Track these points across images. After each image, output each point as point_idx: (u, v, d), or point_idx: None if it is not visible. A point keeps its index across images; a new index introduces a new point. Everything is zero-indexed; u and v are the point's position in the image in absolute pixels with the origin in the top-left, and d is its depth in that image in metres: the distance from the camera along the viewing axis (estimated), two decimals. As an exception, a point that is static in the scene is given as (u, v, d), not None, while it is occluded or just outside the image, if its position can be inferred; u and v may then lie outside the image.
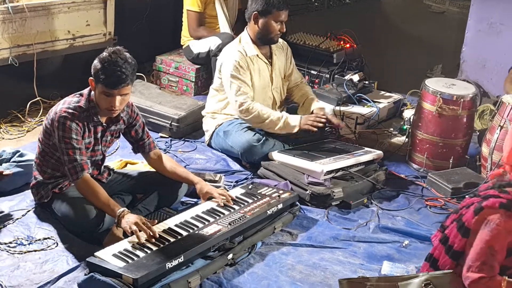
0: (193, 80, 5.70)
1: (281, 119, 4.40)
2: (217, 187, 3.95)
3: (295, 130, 4.42)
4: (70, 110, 3.42)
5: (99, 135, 3.57)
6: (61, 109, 3.42)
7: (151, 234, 3.21)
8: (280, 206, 3.73)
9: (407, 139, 4.80)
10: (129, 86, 3.39)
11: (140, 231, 3.22)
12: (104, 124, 3.56)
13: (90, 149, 3.55)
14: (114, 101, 3.37)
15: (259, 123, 4.44)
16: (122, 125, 3.67)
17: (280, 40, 4.73)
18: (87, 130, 3.48)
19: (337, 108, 5.05)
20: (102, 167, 3.75)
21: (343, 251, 3.59)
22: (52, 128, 3.45)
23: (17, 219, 3.65)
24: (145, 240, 3.19)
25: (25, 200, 3.83)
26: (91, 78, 3.39)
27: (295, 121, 4.41)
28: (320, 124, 4.41)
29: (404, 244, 3.67)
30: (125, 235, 3.32)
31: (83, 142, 3.46)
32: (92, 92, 3.46)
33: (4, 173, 3.75)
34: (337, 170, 4.15)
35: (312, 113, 4.58)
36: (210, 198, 3.69)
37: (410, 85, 5.57)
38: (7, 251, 3.37)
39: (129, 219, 3.26)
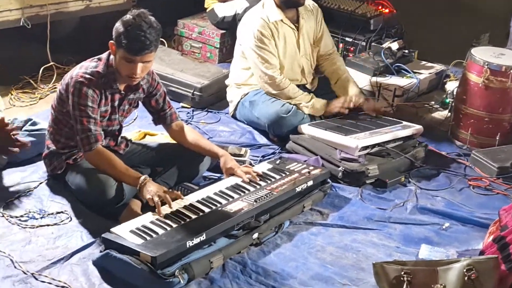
0: (218, 46, 5.68)
1: (309, 102, 4.45)
2: (242, 161, 3.96)
3: (321, 113, 4.47)
4: (87, 76, 3.42)
5: (116, 103, 3.58)
6: (77, 74, 3.43)
7: (173, 205, 3.25)
8: (310, 183, 3.72)
9: (449, 114, 4.76)
10: (152, 53, 3.38)
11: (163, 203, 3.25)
12: (122, 92, 3.56)
13: (106, 118, 3.57)
14: (135, 68, 3.37)
15: (286, 99, 4.45)
16: (141, 94, 3.67)
17: (311, 2, 4.69)
18: (103, 97, 3.49)
19: (374, 79, 5.01)
20: (119, 137, 3.77)
21: (378, 232, 3.58)
22: (66, 94, 3.46)
23: (29, 191, 3.69)
24: (164, 215, 3.21)
25: (37, 171, 3.87)
26: (111, 41, 3.39)
27: (320, 105, 4.47)
28: (346, 111, 4.47)
29: (444, 227, 3.65)
30: (144, 210, 3.35)
31: (99, 111, 3.47)
32: (112, 57, 3.46)
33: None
34: (373, 146, 4.13)
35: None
36: (232, 174, 3.70)
37: (454, 54, 5.48)
38: (19, 225, 3.41)
39: (151, 188, 3.28)
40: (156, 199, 3.24)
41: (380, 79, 5.03)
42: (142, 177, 3.34)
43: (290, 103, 4.43)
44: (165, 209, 3.29)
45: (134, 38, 3.28)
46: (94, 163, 3.47)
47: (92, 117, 3.42)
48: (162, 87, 3.75)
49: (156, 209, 3.23)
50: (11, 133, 3.57)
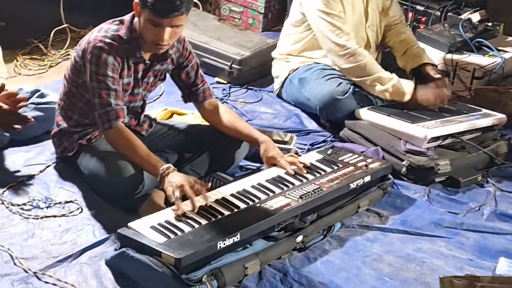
0: (262, 11, 5.68)
1: (391, 80, 4.35)
2: (287, 150, 3.96)
3: (405, 99, 4.36)
4: (107, 40, 3.43)
5: (139, 74, 3.60)
6: (95, 38, 3.44)
7: (197, 204, 3.22)
8: (367, 178, 3.71)
9: (540, 101, 4.69)
10: (183, 16, 3.38)
11: (185, 198, 3.24)
12: (147, 61, 3.57)
13: (128, 92, 3.58)
14: (162, 33, 3.37)
15: (361, 77, 4.39)
16: (169, 65, 3.68)
17: (379, -36, 4.67)
18: (126, 67, 3.50)
19: (449, 56, 4.97)
20: (142, 116, 3.78)
21: (447, 241, 3.55)
22: (83, 62, 3.48)
23: (34, 175, 3.74)
24: (189, 211, 3.22)
25: (44, 152, 3.92)
26: (136, 0, 3.40)
27: (408, 88, 4.36)
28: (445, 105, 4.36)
29: (528, 238, 3.62)
30: (168, 202, 3.36)
31: (121, 82, 3.50)
32: (136, 19, 3.47)
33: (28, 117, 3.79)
34: (445, 137, 4.10)
35: (425, 71, 4.51)
36: (274, 164, 3.69)
37: (548, 30, 5.42)
38: (20, 215, 3.45)
39: (174, 180, 3.27)
40: (177, 193, 3.22)
41: (456, 57, 4.98)
42: (164, 166, 3.33)
43: (351, 82, 4.39)
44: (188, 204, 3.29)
45: None
46: (113, 143, 3.48)
47: (113, 89, 3.43)
48: (194, 57, 3.76)
49: (175, 206, 3.22)
50: (18, 105, 3.60)
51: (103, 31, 3.48)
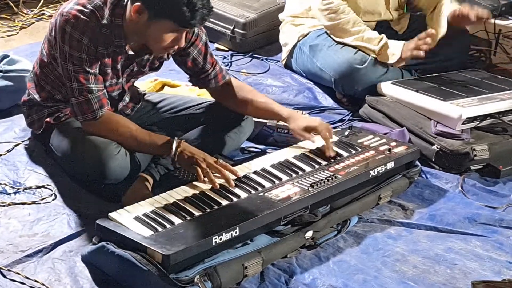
0: (271, -35, 5.67)
1: (380, 40, 4.37)
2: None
3: (393, 60, 4.38)
4: (83, 17, 3.31)
5: (119, 64, 3.53)
6: (69, 11, 3.32)
7: (229, 176, 3.34)
8: (390, 165, 3.71)
9: None
10: None
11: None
12: (130, 53, 3.48)
13: (107, 82, 3.53)
14: (181, 38, 3.34)
15: (343, 37, 4.41)
16: (165, 55, 3.63)
17: None
18: (105, 54, 3.41)
19: (492, 21, 4.96)
20: (120, 103, 3.73)
21: (483, 240, 3.56)
22: (54, 35, 3.40)
23: (0, 155, 3.75)
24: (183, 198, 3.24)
25: (12, 128, 3.94)
26: (137, 4, 3.23)
27: (396, 48, 4.36)
28: (425, 47, 4.30)
29: None
30: (156, 189, 3.38)
31: (98, 65, 3.41)
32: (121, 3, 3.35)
33: None
34: (483, 117, 4.11)
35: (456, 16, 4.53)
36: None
37: None
38: (-17, 201, 3.47)
39: (195, 152, 3.34)
40: (203, 165, 3.30)
41: (500, 23, 4.99)
42: (175, 141, 3.37)
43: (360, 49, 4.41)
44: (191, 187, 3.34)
45: (192, 8, 3.19)
46: (100, 134, 3.45)
47: (92, 73, 3.37)
48: (202, 39, 3.65)
49: (210, 183, 3.31)
50: None
51: (80, 5, 3.34)
